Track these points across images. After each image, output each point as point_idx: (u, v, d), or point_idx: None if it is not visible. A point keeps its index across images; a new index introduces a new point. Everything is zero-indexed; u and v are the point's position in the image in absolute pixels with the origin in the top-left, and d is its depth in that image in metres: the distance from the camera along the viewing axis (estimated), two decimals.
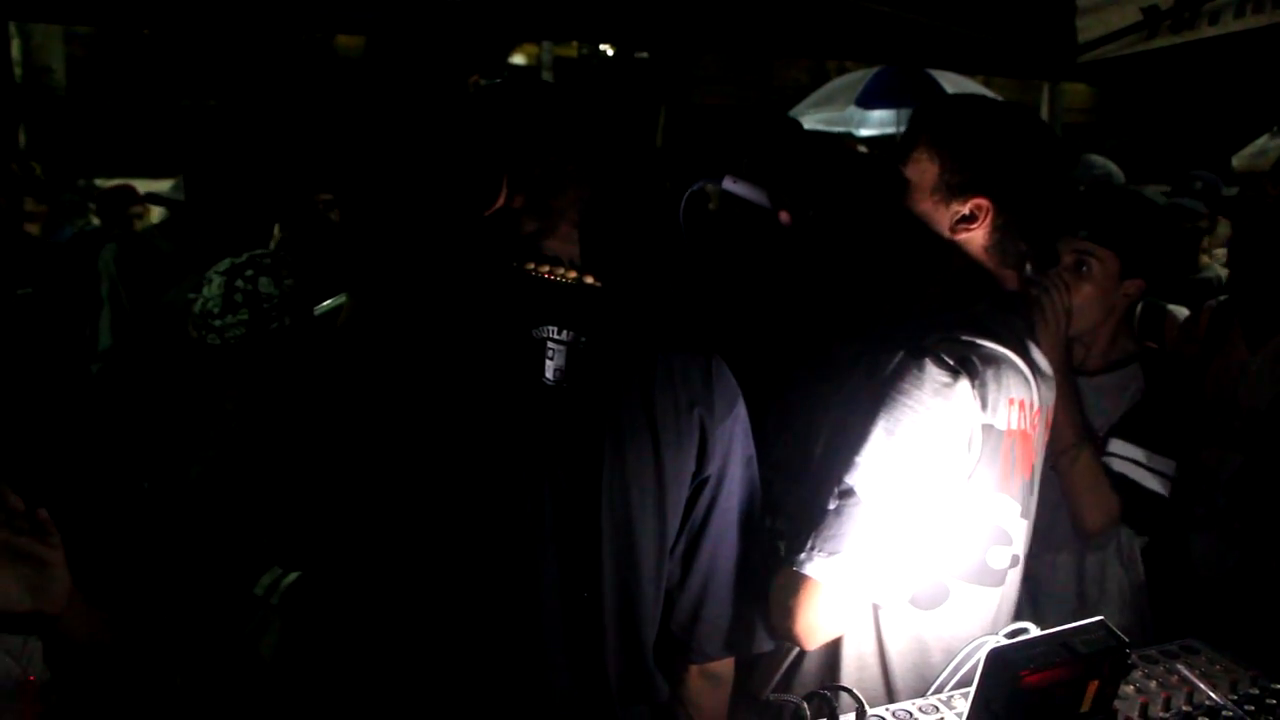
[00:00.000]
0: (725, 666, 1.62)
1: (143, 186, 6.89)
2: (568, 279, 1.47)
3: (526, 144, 1.48)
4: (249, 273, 2.25)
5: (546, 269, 1.46)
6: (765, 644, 1.59)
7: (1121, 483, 2.21)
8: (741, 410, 1.54)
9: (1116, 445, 2.25)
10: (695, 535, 1.52)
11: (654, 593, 1.50)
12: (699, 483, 1.51)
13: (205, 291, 2.27)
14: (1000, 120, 1.68)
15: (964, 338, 1.55)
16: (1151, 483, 2.22)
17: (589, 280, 1.49)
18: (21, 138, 10.35)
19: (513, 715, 1.43)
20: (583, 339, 1.43)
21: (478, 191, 1.48)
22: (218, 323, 2.22)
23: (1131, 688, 1.57)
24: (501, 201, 1.47)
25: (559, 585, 1.41)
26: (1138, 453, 2.23)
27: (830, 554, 1.46)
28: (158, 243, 3.91)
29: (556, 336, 1.42)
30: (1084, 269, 2.24)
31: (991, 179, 1.60)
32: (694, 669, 1.59)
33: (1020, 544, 1.65)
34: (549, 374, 1.40)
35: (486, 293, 1.45)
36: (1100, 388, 2.33)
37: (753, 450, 1.57)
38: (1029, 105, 1.86)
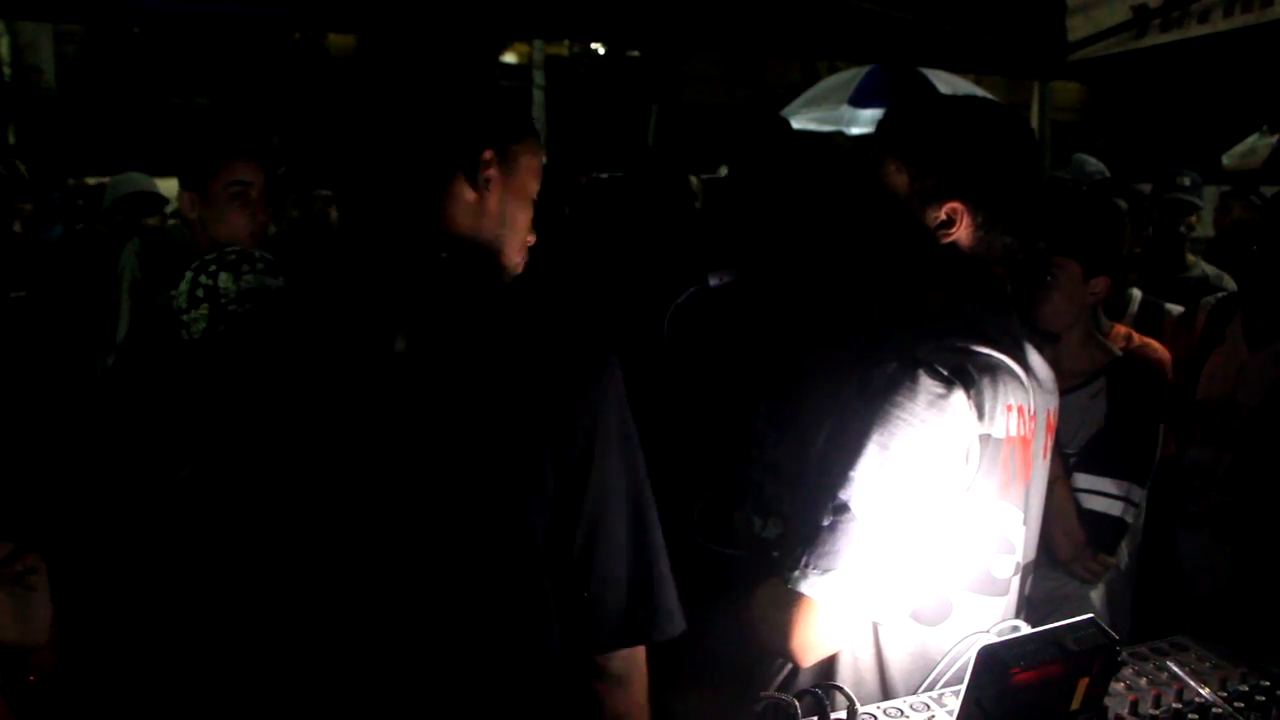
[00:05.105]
0: (626, 664, 1.52)
1: None
2: (432, 262, 1.45)
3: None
4: (211, 268, 2.28)
5: (410, 253, 1.45)
6: (669, 630, 1.50)
7: (1088, 516, 2.28)
8: (611, 387, 1.45)
9: (1082, 479, 2.30)
10: (570, 518, 1.44)
11: (525, 576, 1.43)
12: (563, 461, 1.42)
13: (180, 286, 2.30)
14: (958, 119, 1.63)
15: (958, 344, 1.51)
16: (1115, 510, 2.29)
17: (451, 261, 1.46)
18: (11, 136, 10.32)
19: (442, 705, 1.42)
20: (435, 322, 1.41)
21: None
22: (185, 318, 2.26)
23: (1122, 685, 1.57)
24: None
25: (429, 576, 1.39)
26: (1102, 483, 2.30)
27: (825, 571, 1.43)
28: (178, 235, 3.92)
29: (407, 320, 1.40)
30: (1049, 279, 2.35)
31: (959, 181, 1.56)
32: (597, 665, 1.50)
33: (1023, 551, 1.63)
34: (396, 351, 1.39)
35: (350, 280, 1.46)
36: (1068, 407, 2.32)
37: (632, 429, 1.48)
38: (989, 97, 1.84)
